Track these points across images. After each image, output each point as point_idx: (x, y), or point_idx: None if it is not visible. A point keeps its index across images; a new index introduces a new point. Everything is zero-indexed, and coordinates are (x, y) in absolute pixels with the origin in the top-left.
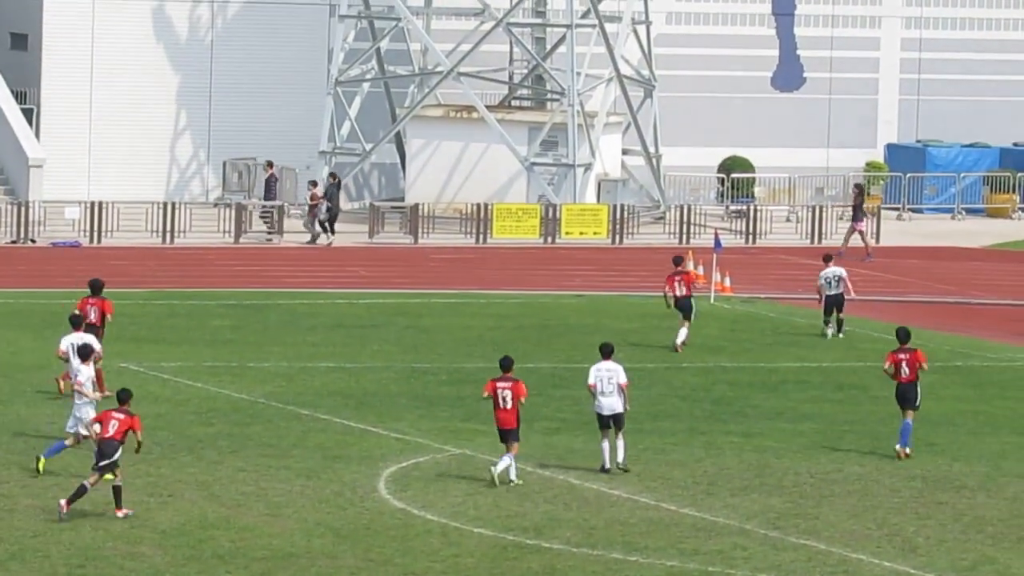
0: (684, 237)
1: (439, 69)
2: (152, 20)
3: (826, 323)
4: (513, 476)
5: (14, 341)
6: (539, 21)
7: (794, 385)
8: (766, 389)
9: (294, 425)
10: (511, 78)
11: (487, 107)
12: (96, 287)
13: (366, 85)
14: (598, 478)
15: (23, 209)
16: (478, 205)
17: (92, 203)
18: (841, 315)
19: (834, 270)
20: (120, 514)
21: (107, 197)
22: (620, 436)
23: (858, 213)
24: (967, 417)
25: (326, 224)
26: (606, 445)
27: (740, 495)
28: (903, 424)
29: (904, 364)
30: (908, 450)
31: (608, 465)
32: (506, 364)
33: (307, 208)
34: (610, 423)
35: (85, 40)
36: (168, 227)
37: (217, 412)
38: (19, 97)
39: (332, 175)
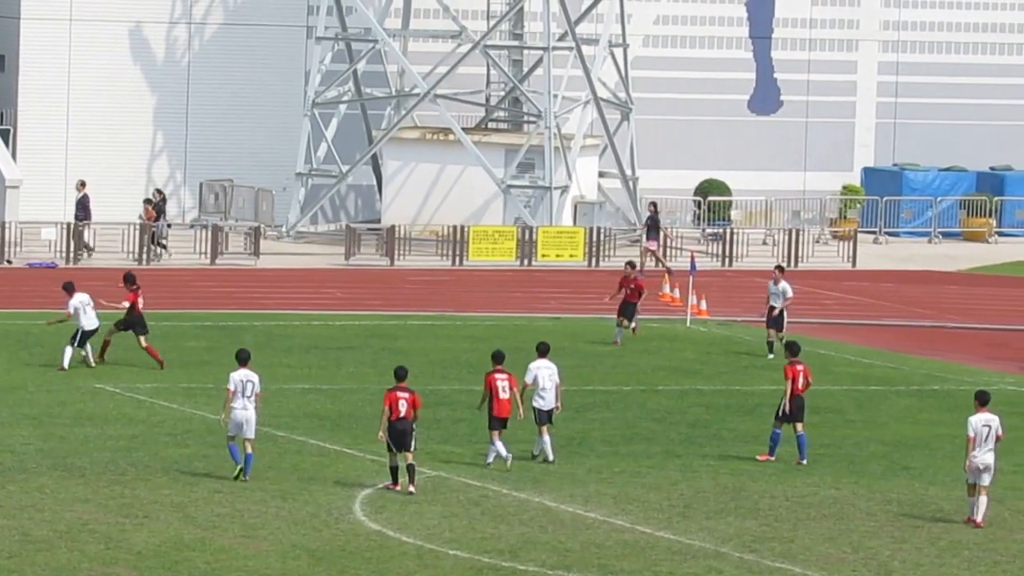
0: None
1: (416, 91)
2: (129, 41)
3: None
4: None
5: None
6: (516, 44)
7: (770, 408)
8: (742, 412)
9: (269, 447)
10: (488, 100)
11: (464, 129)
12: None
13: (343, 107)
14: (574, 500)
15: None
16: (454, 227)
17: (69, 224)
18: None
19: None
20: (412, 489)
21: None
22: (548, 431)
23: (651, 232)
24: (943, 441)
25: (163, 242)
26: (546, 438)
27: (716, 518)
28: (800, 437)
29: (802, 375)
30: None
31: (552, 458)
32: (498, 356)
33: (140, 227)
34: (546, 418)
35: (62, 61)
36: (145, 248)
37: (192, 434)
38: None
39: (158, 191)
